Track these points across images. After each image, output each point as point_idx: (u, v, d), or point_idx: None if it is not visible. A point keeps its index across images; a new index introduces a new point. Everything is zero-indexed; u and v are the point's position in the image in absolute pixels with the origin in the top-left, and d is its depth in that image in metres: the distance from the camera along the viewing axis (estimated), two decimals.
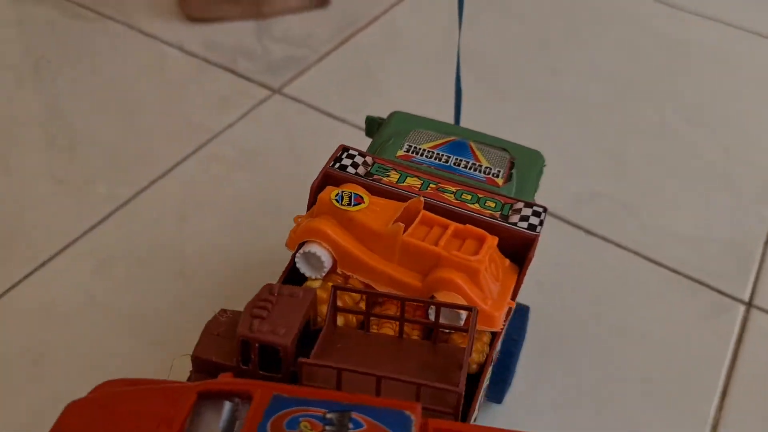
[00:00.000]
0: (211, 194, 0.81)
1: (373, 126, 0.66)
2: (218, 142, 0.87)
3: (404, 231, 0.50)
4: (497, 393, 0.65)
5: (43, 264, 0.72)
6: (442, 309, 0.46)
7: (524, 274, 0.52)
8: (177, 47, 1.00)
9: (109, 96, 0.93)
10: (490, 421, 0.65)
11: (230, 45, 1.01)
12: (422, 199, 0.53)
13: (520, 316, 0.66)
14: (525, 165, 0.61)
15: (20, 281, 0.71)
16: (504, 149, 0.62)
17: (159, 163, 0.84)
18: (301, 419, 0.35)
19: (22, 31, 1.02)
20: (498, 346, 0.57)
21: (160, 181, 0.82)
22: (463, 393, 0.41)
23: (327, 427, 0.35)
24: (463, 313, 0.47)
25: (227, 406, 0.38)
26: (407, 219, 0.52)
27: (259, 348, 0.43)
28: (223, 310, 0.48)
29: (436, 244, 0.49)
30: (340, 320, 0.49)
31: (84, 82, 0.94)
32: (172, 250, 0.75)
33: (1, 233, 0.75)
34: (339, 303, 0.48)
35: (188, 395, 0.38)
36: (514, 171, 0.59)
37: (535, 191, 0.60)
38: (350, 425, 0.35)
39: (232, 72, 0.97)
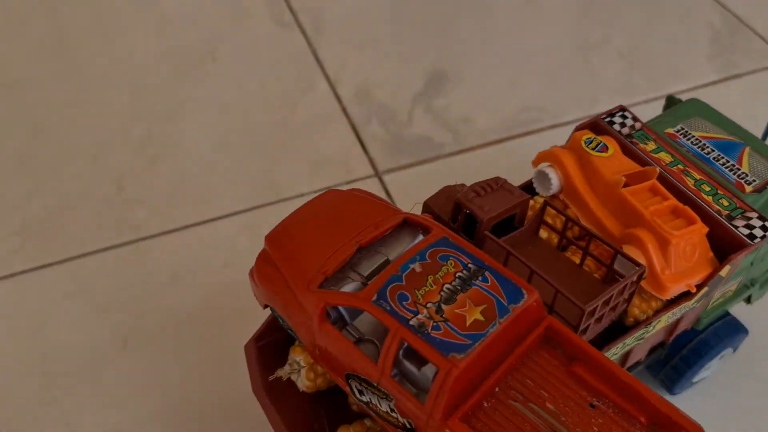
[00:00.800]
0: None
1: (670, 103, 0.71)
2: None
3: (627, 188, 0.57)
4: (671, 382, 0.69)
5: None
6: (618, 256, 0.53)
7: (718, 271, 0.56)
8: None
9: None
10: None
11: None
12: (658, 169, 0.58)
13: (730, 330, 0.68)
14: None
15: None
16: None
17: None
18: (451, 258, 0.47)
19: None
20: (680, 329, 0.62)
21: None
22: (586, 311, 0.48)
23: (464, 271, 0.46)
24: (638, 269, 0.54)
25: (419, 237, 0.51)
26: (638, 181, 0.58)
27: (466, 214, 0.55)
28: (463, 184, 0.60)
29: (648, 208, 0.55)
30: (543, 233, 0.58)
31: None
32: None
33: None
34: (548, 219, 0.57)
35: (398, 217, 0.52)
36: None
37: None
38: (479, 277, 0.45)
39: None
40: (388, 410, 0.46)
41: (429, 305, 0.44)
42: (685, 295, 0.56)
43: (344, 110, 0.95)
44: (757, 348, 0.74)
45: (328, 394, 0.55)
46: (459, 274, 0.46)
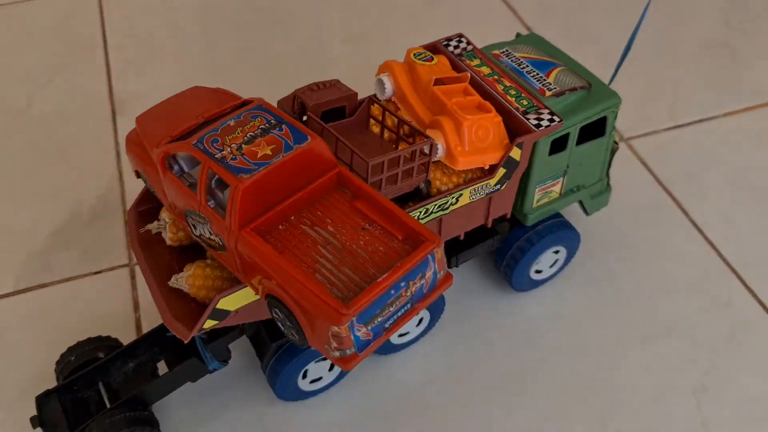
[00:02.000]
0: None
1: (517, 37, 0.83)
2: None
3: (440, 86, 0.69)
4: (508, 275, 0.81)
5: None
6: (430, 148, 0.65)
7: (509, 151, 0.67)
8: None
9: None
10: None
11: None
12: (469, 74, 0.71)
13: (555, 228, 0.79)
14: (591, 98, 0.73)
15: None
16: (588, 83, 0.74)
17: None
18: (260, 117, 0.60)
19: None
20: (495, 213, 0.73)
21: None
22: (370, 164, 0.60)
23: (266, 124, 0.59)
24: (438, 147, 0.66)
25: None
26: (453, 83, 0.70)
27: (300, 103, 0.68)
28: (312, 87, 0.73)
29: (451, 100, 0.68)
30: (375, 129, 0.70)
31: None
32: None
33: None
34: (377, 115, 0.70)
35: (239, 101, 0.65)
36: (573, 96, 0.72)
37: (587, 120, 0.72)
38: (277, 128, 0.58)
39: None
40: (209, 234, 0.59)
41: (233, 146, 0.57)
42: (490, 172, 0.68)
43: None
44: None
45: (191, 248, 0.68)
46: (262, 126, 0.59)
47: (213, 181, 0.58)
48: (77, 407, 0.71)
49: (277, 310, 0.56)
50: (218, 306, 0.60)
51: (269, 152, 0.57)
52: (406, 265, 0.54)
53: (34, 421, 0.69)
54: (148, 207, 0.71)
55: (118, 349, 0.73)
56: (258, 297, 0.61)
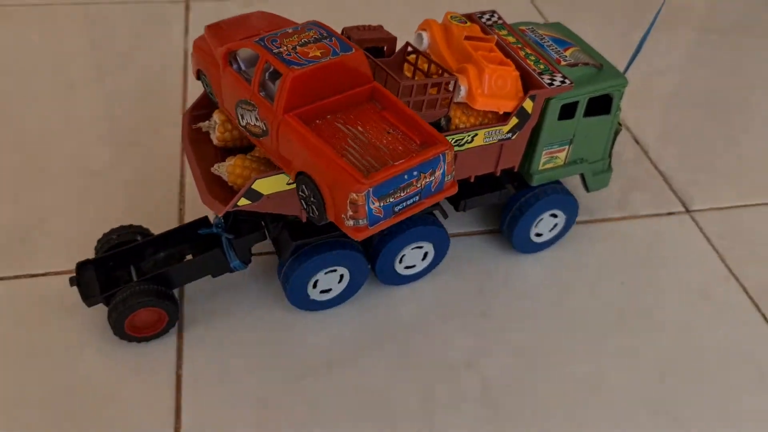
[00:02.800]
0: None
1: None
2: None
3: (469, 41, 0.79)
4: (509, 235, 0.89)
5: None
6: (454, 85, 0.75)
7: (521, 102, 0.77)
8: None
9: None
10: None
11: None
12: (495, 38, 0.81)
13: (553, 192, 0.87)
14: (601, 75, 0.82)
15: None
16: (600, 64, 0.84)
17: None
18: (314, 29, 0.70)
19: None
20: (504, 163, 0.82)
21: None
22: (401, 85, 0.70)
23: (318, 35, 0.69)
24: (461, 88, 0.75)
25: None
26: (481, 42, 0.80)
27: (348, 38, 0.78)
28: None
29: (477, 52, 0.77)
30: (408, 72, 0.80)
31: None
32: None
33: None
34: (410, 58, 0.80)
35: (298, 24, 0.75)
36: (585, 70, 0.82)
37: (594, 92, 0.81)
38: (327, 39, 0.68)
39: None
40: (255, 120, 0.69)
41: (289, 46, 0.67)
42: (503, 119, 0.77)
43: None
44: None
45: (236, 150, 0.78)
46: (315, 36, 0.69)
47: (267, 74, 0.68)
48: (109, 279, 0.80)
49: (304, 186, 0.65)
50: (254, 186, 0.69)
51: (318, 54, 0.66)
52: (421, 157, 0.63)
53: (72, 281, 0.78)
54: (202, 112, 0.80)
55: (152, 237, 0.82)
56: (288, 187, 0.71)
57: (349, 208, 0.61)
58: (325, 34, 0.69)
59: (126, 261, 0.81)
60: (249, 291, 0.85)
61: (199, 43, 0.77)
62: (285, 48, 0.67)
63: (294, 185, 0.69)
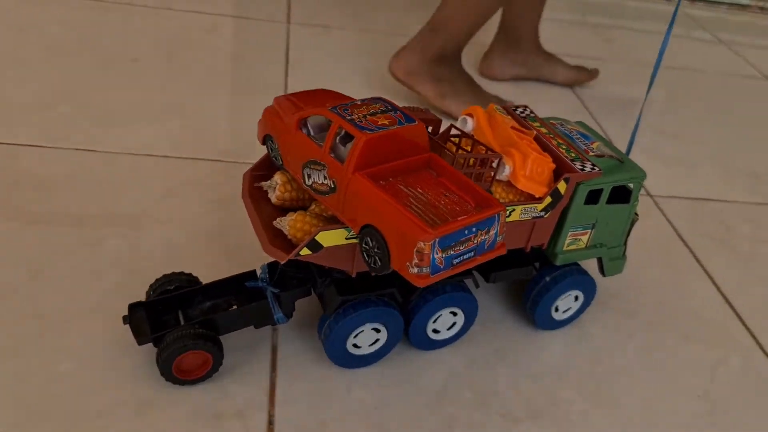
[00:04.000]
0: None
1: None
2: None
3: (513, 130, 0.88)
4: (531, 313, 0.96)
5: None
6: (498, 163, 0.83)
7: (556, 184, 0.85)
8: None
9: None
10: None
11: None
12: (535, 132, 0.90)
13: (573, 273, 0.94)
14: (623, 168, 0.91)
15: None
16: (621, 159, 0.93)
17: None
18: (380, 102, 0.78)
19: None
20: (534, 240, 0.89)
21: None
22: (456, 159, 0.78)
23: (385, 108, 0.77)
24: (506, 167, 0.83)
25: None
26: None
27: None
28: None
29: (521, 141, 0.86)
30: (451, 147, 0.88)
31: None
32: None
33: None
34: (454, 139, 0.88)
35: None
36: (609, 162, 0.91)
37: (617, 182, 0.90)
38: (393, 112, 0.76)
39: None
40: (323, 179, 0.75)
41: (360, 115, 0.75)
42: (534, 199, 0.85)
43: None
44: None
45: (291, 210, 0.84)
46: (381, 108, 0.77)
47: (338, 138, 0.75)
48: (158, 321, 0.84)
49: (369, 238, 0.71)
50: (316, 237, 0.75)
51: (387, 122, 0.74)
52: (480, 215, 0.69)
53: (125, 319, 0.82)
54: (263, 173, 0.87)
55: (201, 285, 0.87)
56: (346, 242, 0.77)
57: (415, 256, 0.67)
58: (390, 107, 0.77)
59: (174, 306, 0.85)
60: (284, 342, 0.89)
61: (269, 110, 0.84)
62: (357, 116, 0.75)
63: (351, 240, 0.75)
